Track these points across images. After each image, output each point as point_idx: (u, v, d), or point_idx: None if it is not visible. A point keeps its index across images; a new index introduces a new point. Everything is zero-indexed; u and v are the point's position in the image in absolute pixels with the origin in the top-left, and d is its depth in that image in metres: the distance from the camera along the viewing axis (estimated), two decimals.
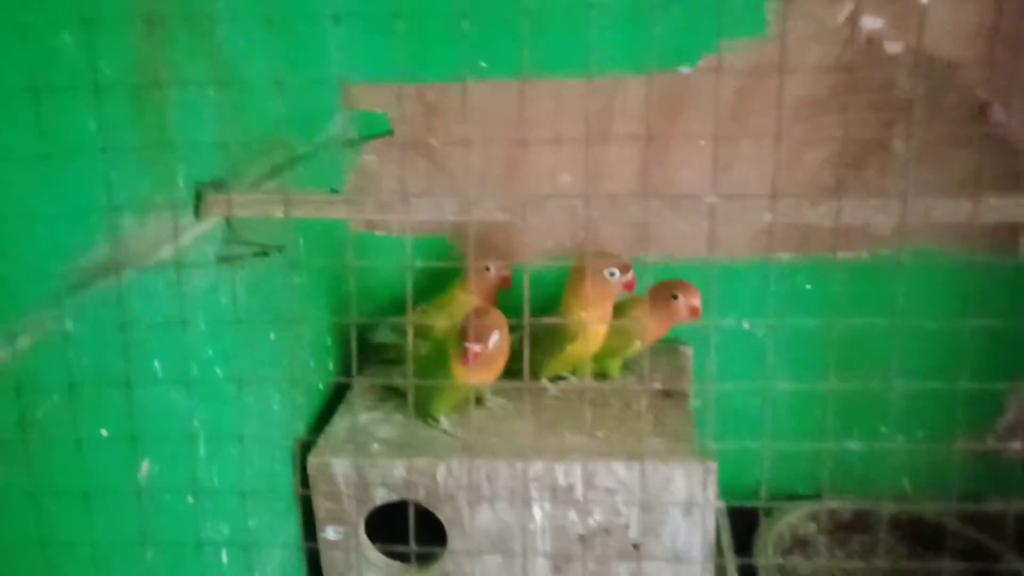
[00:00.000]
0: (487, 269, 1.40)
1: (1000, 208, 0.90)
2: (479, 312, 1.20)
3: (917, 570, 1.51)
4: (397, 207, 0.94)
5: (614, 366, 1.40)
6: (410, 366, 0.91)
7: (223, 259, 0.93)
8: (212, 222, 0.95)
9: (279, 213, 0.91)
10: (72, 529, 0.68)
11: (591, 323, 1.28)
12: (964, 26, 1.36)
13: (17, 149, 0.64)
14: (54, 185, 0.70)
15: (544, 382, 1.37)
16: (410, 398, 1.31)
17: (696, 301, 1.30)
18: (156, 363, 0.85)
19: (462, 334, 1.17)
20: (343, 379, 1.42)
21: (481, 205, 0.94)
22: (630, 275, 1.28)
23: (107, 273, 0.74)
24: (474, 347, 1.15)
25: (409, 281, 1.19)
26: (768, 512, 1.55)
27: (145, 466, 0.83)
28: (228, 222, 0.96)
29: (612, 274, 1.27)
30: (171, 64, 0.89)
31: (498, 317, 1.20)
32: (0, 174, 0.63)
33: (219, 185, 0.94)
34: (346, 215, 0.93)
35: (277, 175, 1.12)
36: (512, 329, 1.22)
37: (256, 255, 0.93)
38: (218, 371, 0.98)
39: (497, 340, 1.17)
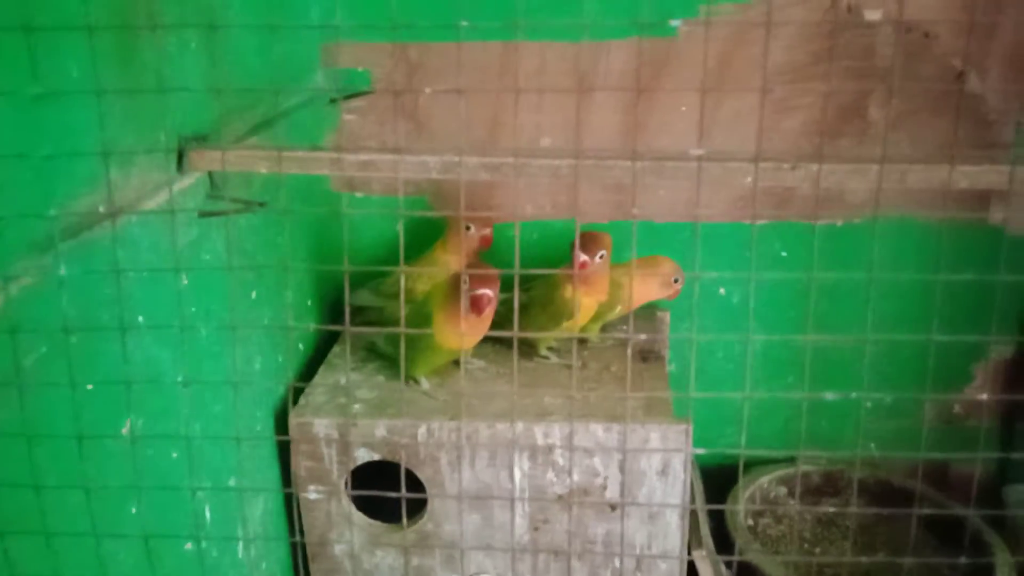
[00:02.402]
0: (467, 228, 1.40)
1: (972, 175, 0.92)
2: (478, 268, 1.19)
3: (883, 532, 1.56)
4: (383, 164, 0.94)
5: (594, 329, 1.41)
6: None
7: (205, 214, 0.92)
8: (194, 177, 0.94)
9: (264, 169, 0.91)
10: (63, 474, 0.68)
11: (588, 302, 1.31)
12: None
13: (8, 89, 0.63)
14: (44, 128, 0.69)
15: (545, 352, 1.39)
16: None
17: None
18: (140, 318, 0.85)
19: (464, 279, 1.13)
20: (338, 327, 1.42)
21: (467, 163, 0.94)
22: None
23: (95, 221, 0.73)
24: (485, 291, 1.12)
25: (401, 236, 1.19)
26: (746, 467, 1.59)
27: (128, 423, 0.82)
28: (211, 177, 0.95)
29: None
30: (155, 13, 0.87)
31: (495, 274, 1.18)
32: None
33: (202, 139, 0.93)
34: (331, 171, 0.93)
35: (258, 132, 1.10)
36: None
37: (239, 211, 0.92)
38: (200, 328, 0.98)
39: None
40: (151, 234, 0.86)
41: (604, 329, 1.45)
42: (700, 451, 1.12)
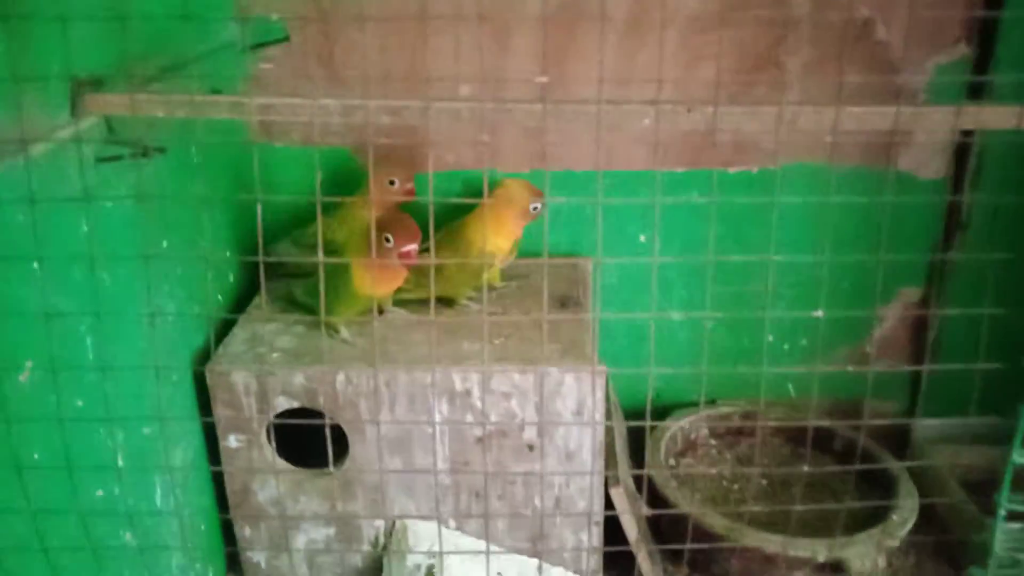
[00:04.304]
0: (391, 183, 1.40)
1: (859, 117, 0.96)
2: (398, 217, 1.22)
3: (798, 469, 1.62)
4: (284, 108, 0.94)
5: (494, 273, 1.43)
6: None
7: (103, 159, 0.91)
8: (91, 120, 0.92)
9: (159, 112, 0.90)
10: None
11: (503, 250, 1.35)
12: None
13: None
14: None
15: (465, 301, 1.41)
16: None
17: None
18: (35, 264, 0.84)
19: (386, 236, 1.18)
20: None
21: (368, 106, 0.95)
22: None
23: None
24: (412, 246, 1.18)
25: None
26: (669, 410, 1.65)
27: (29, 366, 0.82)
28: (108, 122, 0.94)
29: (535, 208, 1.36)
30: None
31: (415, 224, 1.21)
32: None
33: (98, 83, 0.92)
34: (231, 115, 0.92)
35: (163, 79, 1.09)
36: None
37: (135, 156, 0.91)
38: (105, 275, 0.97)
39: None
40: (43, 177, 0.85)
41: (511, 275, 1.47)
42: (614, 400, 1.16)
